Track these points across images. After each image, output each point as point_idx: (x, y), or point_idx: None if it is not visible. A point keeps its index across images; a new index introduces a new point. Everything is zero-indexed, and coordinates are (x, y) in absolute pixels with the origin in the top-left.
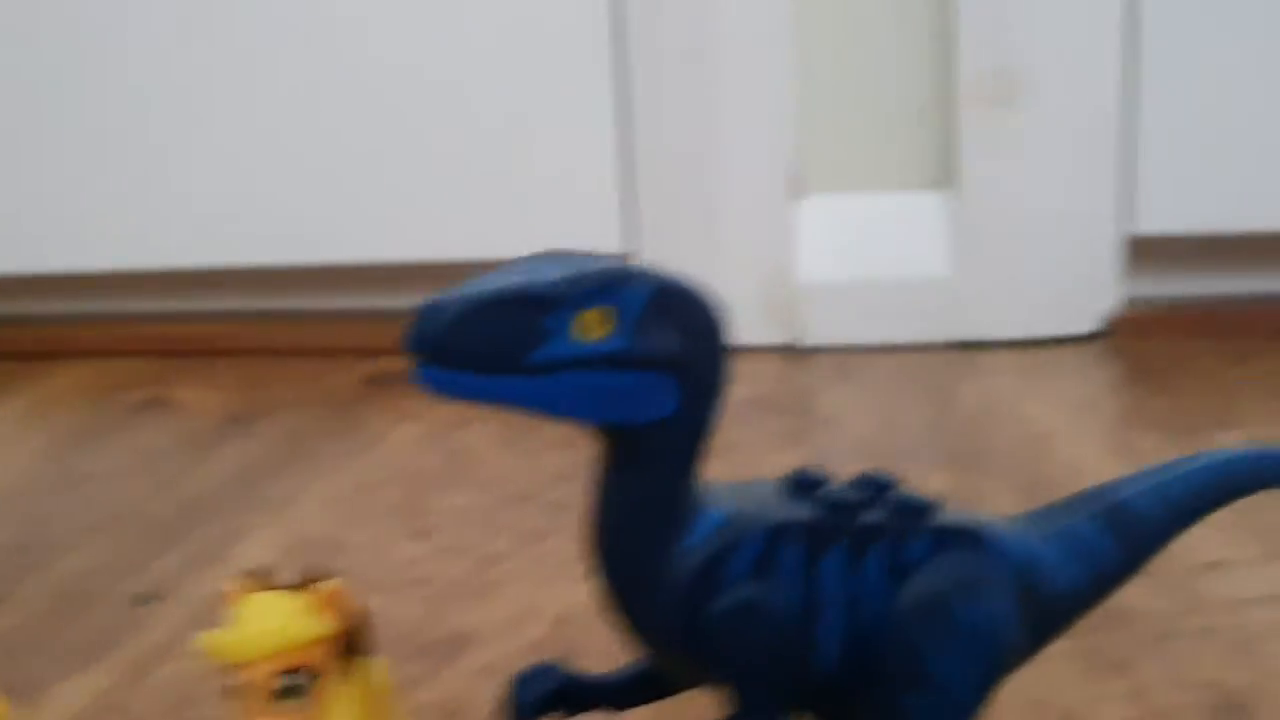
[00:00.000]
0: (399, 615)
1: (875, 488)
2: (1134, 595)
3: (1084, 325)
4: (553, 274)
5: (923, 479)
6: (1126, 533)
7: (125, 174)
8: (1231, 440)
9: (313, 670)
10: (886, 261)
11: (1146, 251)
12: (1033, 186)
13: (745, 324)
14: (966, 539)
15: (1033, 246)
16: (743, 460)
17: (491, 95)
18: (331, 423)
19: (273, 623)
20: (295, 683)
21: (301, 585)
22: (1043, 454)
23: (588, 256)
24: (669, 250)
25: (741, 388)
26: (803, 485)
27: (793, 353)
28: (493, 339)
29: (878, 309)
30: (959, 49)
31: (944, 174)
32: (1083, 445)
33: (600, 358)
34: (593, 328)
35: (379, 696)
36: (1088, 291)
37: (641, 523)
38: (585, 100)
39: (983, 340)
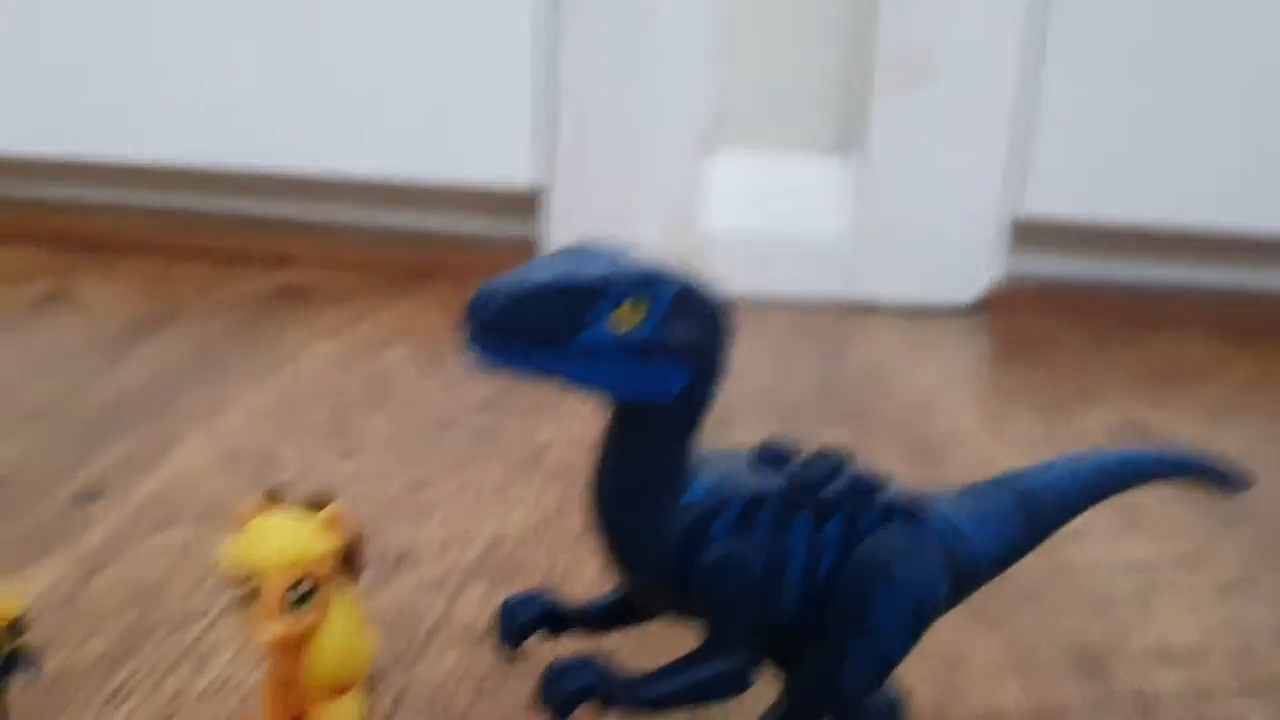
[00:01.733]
0: None
1: (834, 464)
2: None
3: (964, 296)
4: (595, 268)
5: (817, 434)
6: (1032, 515)
7: (37, 55)
8: (1096, 415)
9: (319, 581)
10: (788, 219)
11: (1026, 233)
12: (931, 161)
13: None
14: (907, 514)
15: (925, 217)
16: None
17: (419, 19)
18: (244, 334)
19: (288, 539)
20: (305, 592)
21: (310, 506)
22: (924, 420)
23: (623, 251)
24: (582, 187)
25: None
26: (774, 458)
27: None
28: (542, 323)
29: (776, 264)
30: (878, 25)
31: (850, 140)
32: (960, 415)
33: (631, 346)
34: (627, 318)
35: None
36: (971, 265)
37: (646, 483)
38: (507, 34)
39: (870, 302)
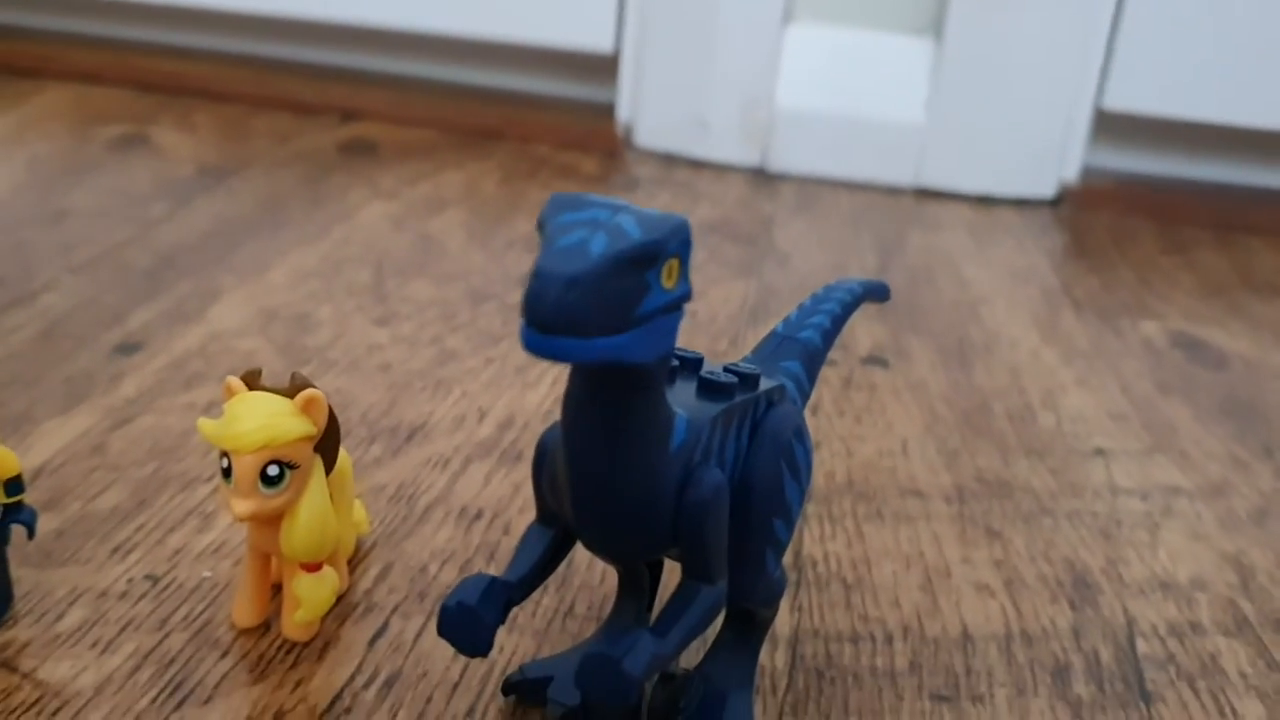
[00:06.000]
0: (361, 398)
1: (754, 379)
2: (1020, 473)
3: (1041, 190)
4: (628, 225)
5: (856, 327)
6: (811, 365)
7: None
8: (1149, 327)
9: (292, 463)
10: (862, 99)
11: (1106, 126)
12: (1018, 45)
13: (720, 141)
14: (781, 395)
15: (1007, 105)
16: (696, 287)
17: None
18: (308, 190)
19: (263, 421)
20: (277, 473)
21: (289, 390)
22: (971, 319)
23: (612, 202)
24: (660, 58)
25: (706, 208)
26: (704, 384)
27: (761, 176)
28: (612, 300)
29: (846, 144)
30: None
31: (933, 21)
32: (1010, 316)
33: (676, 302)
34: (671, 275)
35: (342, 480)
36: (1049, 158)
37: (648, 437)
38: None
39: (941, 190)
